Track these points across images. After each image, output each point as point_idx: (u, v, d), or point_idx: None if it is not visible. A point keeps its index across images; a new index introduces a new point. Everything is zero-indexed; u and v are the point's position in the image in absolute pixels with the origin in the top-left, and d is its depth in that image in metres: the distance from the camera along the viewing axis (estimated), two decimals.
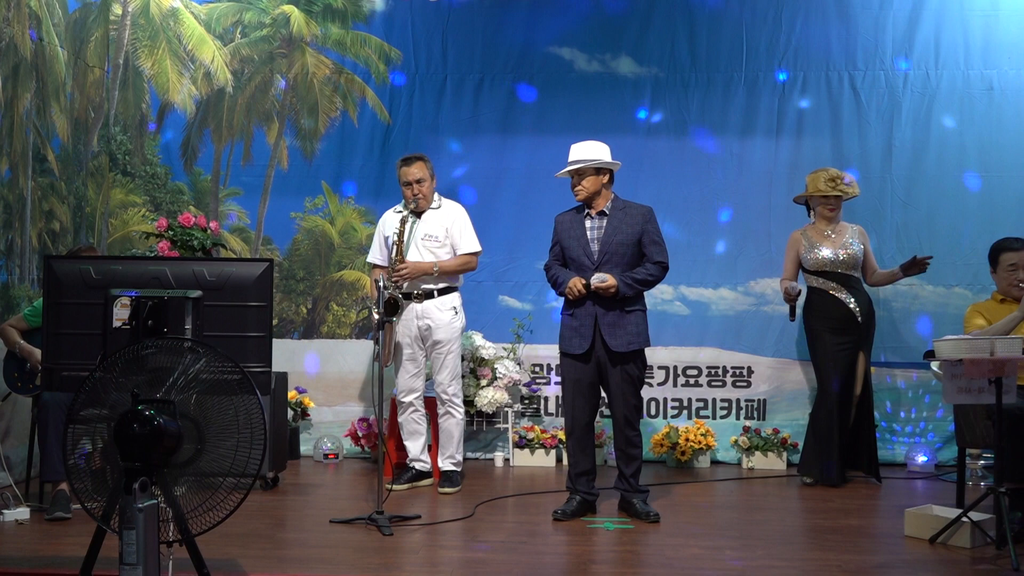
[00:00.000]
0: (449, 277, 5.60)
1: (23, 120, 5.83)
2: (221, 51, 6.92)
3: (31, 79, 5.93)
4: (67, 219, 6.35)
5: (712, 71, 6.78)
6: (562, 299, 5.02)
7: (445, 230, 5.59)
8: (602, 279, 4.75)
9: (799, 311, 5.93)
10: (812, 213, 6.05)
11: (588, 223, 4.93)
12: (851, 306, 5.82)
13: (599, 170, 4.91)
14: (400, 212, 5.62)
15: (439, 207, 5.66)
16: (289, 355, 6.72)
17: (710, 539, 4.49)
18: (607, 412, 5.16)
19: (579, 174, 4.90)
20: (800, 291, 5.84)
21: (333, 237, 6.90)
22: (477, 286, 6.53)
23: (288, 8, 6.92)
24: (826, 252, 5.85)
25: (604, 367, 4.84)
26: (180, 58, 6.91)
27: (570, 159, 4.96)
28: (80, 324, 3.37)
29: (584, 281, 4.80)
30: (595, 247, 4.87)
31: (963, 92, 6.62)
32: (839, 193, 5.88)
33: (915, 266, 5.84)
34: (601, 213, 4.92)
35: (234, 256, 6.61)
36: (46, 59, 6.11)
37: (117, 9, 6.85)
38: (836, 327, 5.82)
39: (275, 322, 6.64)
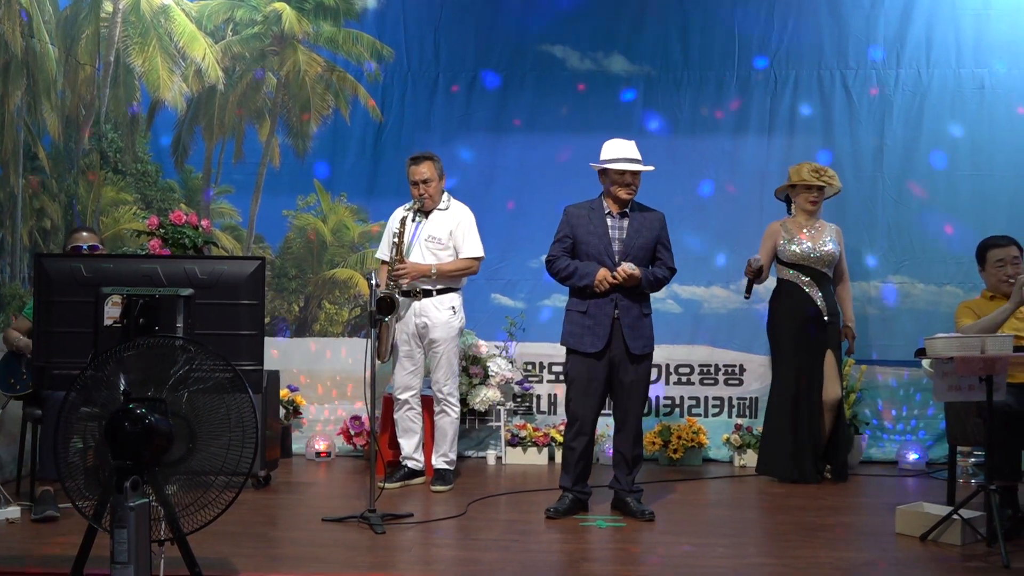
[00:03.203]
0: (449, 279, 5.59)
1: (14, 118, 5.81)
2: (212, 48, 6.91)
3: (22, 76, 5.91)
4: (58, 217, 6.33)
5: (704, 69, 6.78)
6: (563, 295, 5.02)
7: (449, 232, 5.58)
8: (633, 267, 4.74)
9: (755, 292, 5.85)
10: (792, 207, 6.07)
11: (610, 221, 4.90)
12: (819, 304, 5.84)
13: None
14: (408, 211, 5.61)
15: (447, 208, 5.65)
16: (281, 353, 6.71)
17: (702, 537, 4.51)
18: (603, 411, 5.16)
19: (634, 173, 4.86)
20: (761, 265, 5.69)
21: (325, 235, 6.89)
22: (470, 284, 6.52)
23: (280, 5, 6.91)
24: (804, 245, 5.88)
25: (618, 367, 4.83)
26: (171, 55, 6.89)
27: (626, 155, 4.85)
28: (71, 322, 3.37)
29: (613, 273, 4.76)
30: (617, 247, 4.85)
31: (954, 91, 6.64)
32: (823, 184, 5.91)
33: (848, 339, 6.08)
34: (623, 213, 4.91)
35: (226, 254, 6.59)
36: (37, 56, 6.09)
37: (108, 6, 6.83)
38: (801, 324, 5.84)
39: (267, 320, 6.62)
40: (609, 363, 4.84)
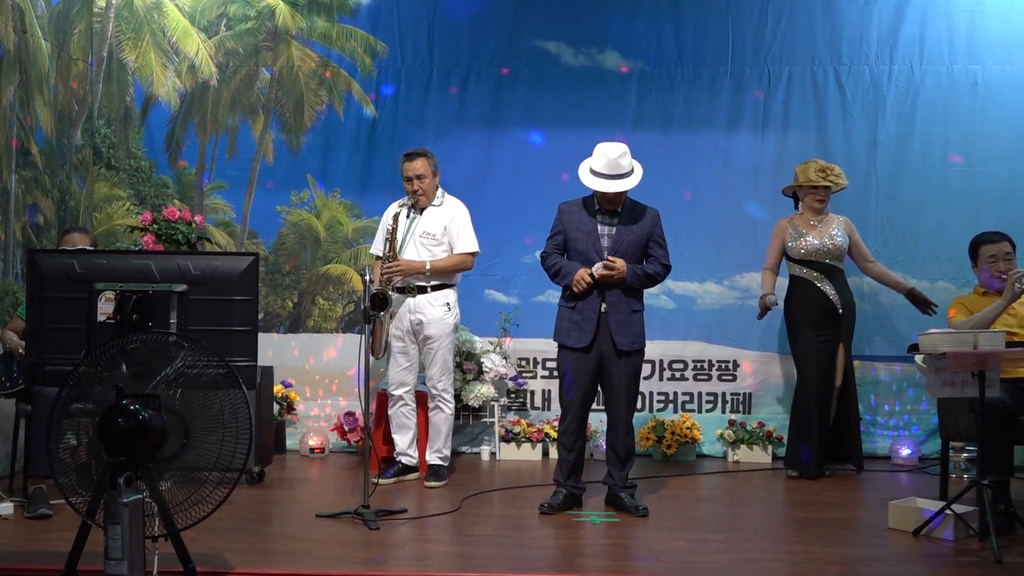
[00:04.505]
0: (443, 275, 5.58)
1: (6, 113, 5.79)
2: (206, 44, 6.89)
3: (14, 72, 5.89)
4: (51, 213, 6.31)
5: (698, 65, 6.78)
6: (557, 291, 5.02)
7: (443, 228, 5.57)
8: (609, 267, 4.71)
9: (778, 303, 6.05)
10: (800, 205, 6.08)
11: (600, 218, 4.88)
12: (832, 298, 5.86)
13: None
14: (401, 206, 5.60)
15: (441, 204, 5.64)
16: (275, 349, 6.71)
17: (696, 532, 4.51)
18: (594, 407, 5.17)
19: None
20: (775, 303, 5.99)
21: (319, 231, 6.88)
22: (463, 280, 6.52)
23: (273, 1, 6.89)
24: (812, 241, 5.89)
25: (607, 363, 4.84)
26: (164, 51, 6.87)
27: (608, 170, 4.75)
28: (64, 318, 3.35)
29: (590, 271, 4.75)
30: (606, 243, 4.85)
31: (947, 87, 6.66)
32: (829, 183, 5.92)
33: (920, 303, 5.99)
34: (614, 211, 4.90)
35: (219, 250, 6.58)
36: (29, 52, 6.07)
37: (101, 1, 6.80)
38: (816, 319, 5.86)
39: (261, 316, 6.61)
40: (598, 358, 4.84)
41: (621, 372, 4.84)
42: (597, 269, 4.75)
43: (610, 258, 4.74)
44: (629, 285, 4.82)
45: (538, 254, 5.17)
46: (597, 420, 6.17)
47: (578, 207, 4.96)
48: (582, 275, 4.76)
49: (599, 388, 4.98)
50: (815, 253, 5.89)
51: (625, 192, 4.86)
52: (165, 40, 6.87)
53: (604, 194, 4.82)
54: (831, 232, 5.93)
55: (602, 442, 5.97)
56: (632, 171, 4.84)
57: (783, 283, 6.11)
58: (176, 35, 6.86)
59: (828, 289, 5.87)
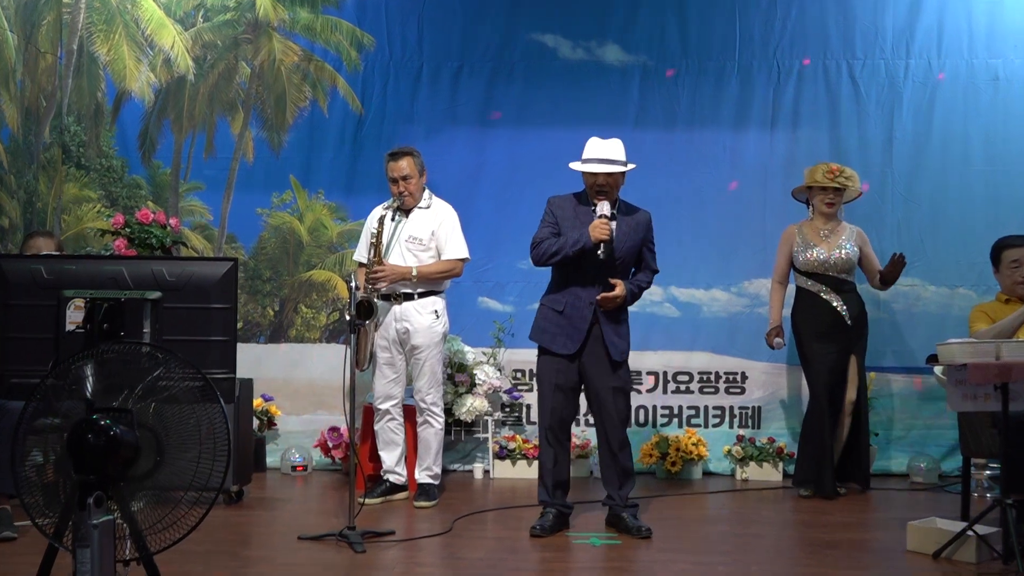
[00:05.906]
0: (431, 282, 5.57)
1: None
2: (182, 36, 6.89)
3: None
4: (17, 215, 6.30)
5: (703, 59, 6.80)
6: (538, 295, 5.02)
7: (431, 232, 5.56)
8: (617, 291, 4.73)
9: (785, 344, 6.17)
10: (811, 209, 6.08)
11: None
12: (840, 311, 5.84)
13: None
14: (387, 209, 5.59)
15: (428, 207, 5.63)
16: (255, 360, 6.69)
17: (701, 554, 4.51)
18: (591, 421, 5.16)
19: (607, 174, 4.81)
20: (782, 347, 6.14)
21: (302, 235, 6.88)
22: (455, 287, 6.51)
23: None
24: (818, 253, 5.88)
25: (595, 373, 4.82)
26: (138, 44, 6.87)
27: (600, 155, 4.82)
28: (31, 327, 3.34)
29: (600, 214, 4.71)
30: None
31: (967, 82, 6.67)
32: (838, 186, 5.91)
33: (893, 267, 5.84)
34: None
35: (196, 255, 6.57)
36: None
37: None
38: (824, 332, 5.85)
39: (240, 325, 6.60)
40: (582, 368, 4.84)
41: (610, 385, 4.83)
42: (601, 209, 4.73)
43: (612, 280, 4.76)
44: (625, 304, 4.87)
45: (523, 265, 5.15)
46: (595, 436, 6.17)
47: (572, 202, 4.95)
48: (597, 222, 4.70)
49: (584, 401, 4.99)
50: (821, 266, 5.88)
51: (617, 180, 4.85)
52: (139, 32, 6.86)
53: (595, 180, 4.82)
54: (840, 243, 5.89)
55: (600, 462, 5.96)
56: (625, 163, 4.88)
57: (792, 291, 6.11)
58: (150, 27, 6.86)
59: (835, 301, 5.86)
